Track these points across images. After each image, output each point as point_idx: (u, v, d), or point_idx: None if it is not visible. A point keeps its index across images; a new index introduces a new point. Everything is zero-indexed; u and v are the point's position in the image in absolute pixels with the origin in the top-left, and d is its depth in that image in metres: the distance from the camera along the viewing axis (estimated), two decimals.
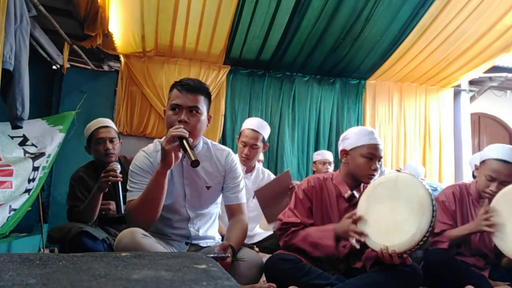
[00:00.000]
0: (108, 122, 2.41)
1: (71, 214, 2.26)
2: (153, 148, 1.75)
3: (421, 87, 5.21)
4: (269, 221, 2.43)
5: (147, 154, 1.72)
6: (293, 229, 1.81)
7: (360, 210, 1.70)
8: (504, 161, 1.98)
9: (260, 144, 2.55)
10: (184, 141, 1.51)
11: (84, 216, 2.17)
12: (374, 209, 1.65)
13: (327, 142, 4.84)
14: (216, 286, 0.72)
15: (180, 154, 1.57)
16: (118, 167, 2.14)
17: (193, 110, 1.65)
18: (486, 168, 2.02)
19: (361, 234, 1.60)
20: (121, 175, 2.11)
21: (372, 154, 1.81)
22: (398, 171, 4.03)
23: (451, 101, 5.30)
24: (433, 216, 1.51)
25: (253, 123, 2.59)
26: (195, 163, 1.47)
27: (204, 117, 1.69)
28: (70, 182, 2.34)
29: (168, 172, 1.58)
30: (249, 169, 2.64)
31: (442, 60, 4.51)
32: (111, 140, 2.31)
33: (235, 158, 1.86)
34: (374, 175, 1.82)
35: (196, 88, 1.67)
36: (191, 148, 1.50)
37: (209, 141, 1.83)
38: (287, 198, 2.31)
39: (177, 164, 1.65)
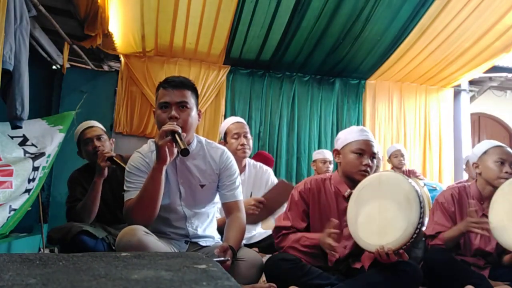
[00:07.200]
0: (93, 122, 2.39)
1: (69, 214, 2.25)
2: (148, 148, 1.76)
3: (421, 87, 5.21)
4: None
5: (142, 154, 1.74)
6: (283, 231, 1.81)
7: (349, 214, 1.70)
8: (501, 146, 2.10)
9: (249, 134, 2.51)
10: (176, 135, 1.53)
11: (85, 210, 2.15)
12: (363, 211, 1.66)
13: (327, 142, 4.83)
14: (216, 286, 0.72)
15: (175, 150, 1.58)
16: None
17: (182, 105, 1.65)
18: (492, 156, 2.07)
19: (333, 248, 1.61)
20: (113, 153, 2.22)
21: (361, 149, 1.79)
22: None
23: (451, 101, 5.31)
24: (421, 207, 1.52)
25: (234, 118, 2.59)
26: (184, 152, 1.50)
27: (194, 112, 1.70)
28: (68, 185, 2.35)
29: (164, 171, 1.59)
30: (240, 170, 2.48)
31: (442, 60, 4.52)
32: (98, 138, 2.28)
33: (230, 155, 1.85)
34: (366, 171, 1.78)
35: (182, 83, 1.68)
36: (182, 139, 1.53)
37: (203, 139, 1.83)
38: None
39: (171, 164, 1.67)
